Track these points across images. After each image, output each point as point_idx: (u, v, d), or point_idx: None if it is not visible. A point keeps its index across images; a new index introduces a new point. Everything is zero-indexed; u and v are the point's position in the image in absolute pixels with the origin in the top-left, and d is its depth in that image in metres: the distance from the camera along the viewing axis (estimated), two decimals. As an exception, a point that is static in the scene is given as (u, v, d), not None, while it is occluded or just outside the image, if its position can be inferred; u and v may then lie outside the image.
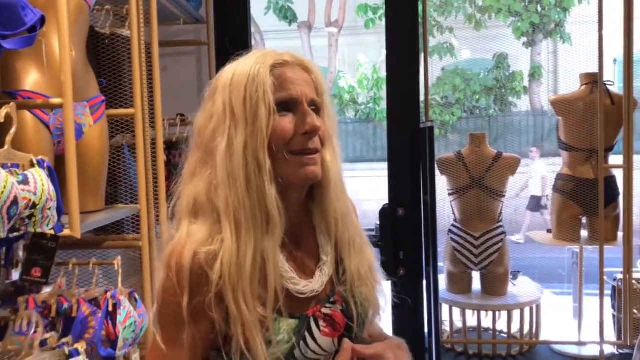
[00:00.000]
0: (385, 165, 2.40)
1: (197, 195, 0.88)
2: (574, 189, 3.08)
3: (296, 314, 0.88)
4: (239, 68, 0.88)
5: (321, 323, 0.90)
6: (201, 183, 0.88)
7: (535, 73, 7.95)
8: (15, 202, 0.95)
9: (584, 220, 3.16)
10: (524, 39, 7.52)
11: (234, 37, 2.50)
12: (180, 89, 2.36)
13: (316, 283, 0.91)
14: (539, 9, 7.39)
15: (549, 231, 3.31)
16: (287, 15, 9.23)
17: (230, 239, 0.83)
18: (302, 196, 0.93)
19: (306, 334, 0.88)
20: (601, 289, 2.88)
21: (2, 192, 0.91)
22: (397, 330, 2.54)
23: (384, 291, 1.01)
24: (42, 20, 1.15)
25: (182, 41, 2.50)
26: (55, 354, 1.13)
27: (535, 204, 6.51)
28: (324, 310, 0.92)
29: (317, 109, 0.91)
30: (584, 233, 3.17)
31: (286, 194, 0.88)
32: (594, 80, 3.00)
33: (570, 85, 3.45)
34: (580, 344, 3.14)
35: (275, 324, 0.85)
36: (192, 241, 0.84)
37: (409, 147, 2.44)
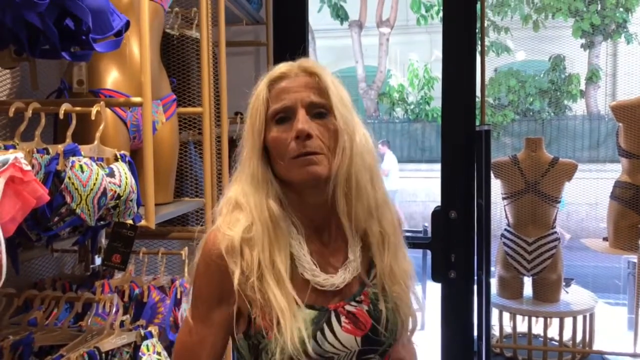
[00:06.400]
0: (433, 166, 2.40)
1: (236, 193, 0.97)
2: (633, 197, 2.99)
3: (316, 306, 0.92)
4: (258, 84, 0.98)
5: (343, 319, 0.93)
6: (237, 184, 0.97)
7: (593, 76, 7.68)
8: (104, 193, 1.03)
9: (643, 229, 3.06)
10: (582, 41, 7.27)
11: (291, 37, 2.55)
12: (238, 88, 2.42)
13: (338, 278, 0.94)
14: (599, 8, 7.13)
15: (605, 239, 3.22)
16: (339, 13, 9.26)
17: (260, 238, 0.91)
18: (323, 197, 0.94)
19: (324, 326, 0.91)
20: (660, 301, 2.79)
21: (94, 184, 0.99)
22: (446, 333, 2.54)
23: (419, 303, 1.01)
24: (127, 25, 1.24)
25: (243, 42, 2.58)
26: (133, 335, 1.21)
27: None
28: (347, 307, 0.94)
29: (323, 110, 0.93)
30: (643, 243, 3.07)
31: (302, 197, 0.95)
32: (658, 85, 2.91)
33: (630, 89, 3.32)
34: (635, 355, 3.05)
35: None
36: (227, 227, 0.92)
37: (463, 150, 2.42)
